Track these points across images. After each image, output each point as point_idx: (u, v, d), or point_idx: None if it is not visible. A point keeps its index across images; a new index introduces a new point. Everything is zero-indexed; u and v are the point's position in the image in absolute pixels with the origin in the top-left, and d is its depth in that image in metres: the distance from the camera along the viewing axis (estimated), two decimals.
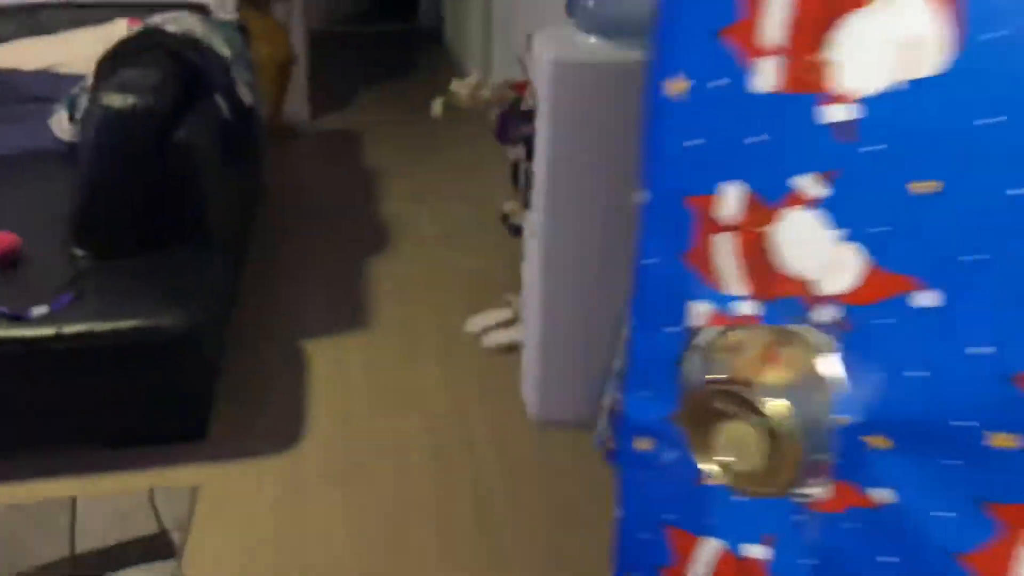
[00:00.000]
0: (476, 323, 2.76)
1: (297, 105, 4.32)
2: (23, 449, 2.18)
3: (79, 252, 2.24)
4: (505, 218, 2.96)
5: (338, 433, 2.32)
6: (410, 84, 5.11)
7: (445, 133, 4.27)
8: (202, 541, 1.96)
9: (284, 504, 2.08)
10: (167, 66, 2.34)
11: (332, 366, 2.59)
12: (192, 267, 2.25)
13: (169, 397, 2.19)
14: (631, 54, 1.91)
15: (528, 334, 2.34)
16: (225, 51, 2.67)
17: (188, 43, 2.56)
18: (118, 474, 2.13)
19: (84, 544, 1.91)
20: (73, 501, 2.02)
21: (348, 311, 2.87)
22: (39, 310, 2.00)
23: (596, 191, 2.03)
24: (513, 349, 2.62)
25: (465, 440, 2.31)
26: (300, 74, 4.27)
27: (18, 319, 1.98)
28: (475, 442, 2.30)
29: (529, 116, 2.79)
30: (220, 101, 2.58)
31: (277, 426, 2.33)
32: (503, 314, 2.77)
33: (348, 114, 4.62)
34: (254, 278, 2.97)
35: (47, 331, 1.98)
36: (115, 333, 2.01)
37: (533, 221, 2.20)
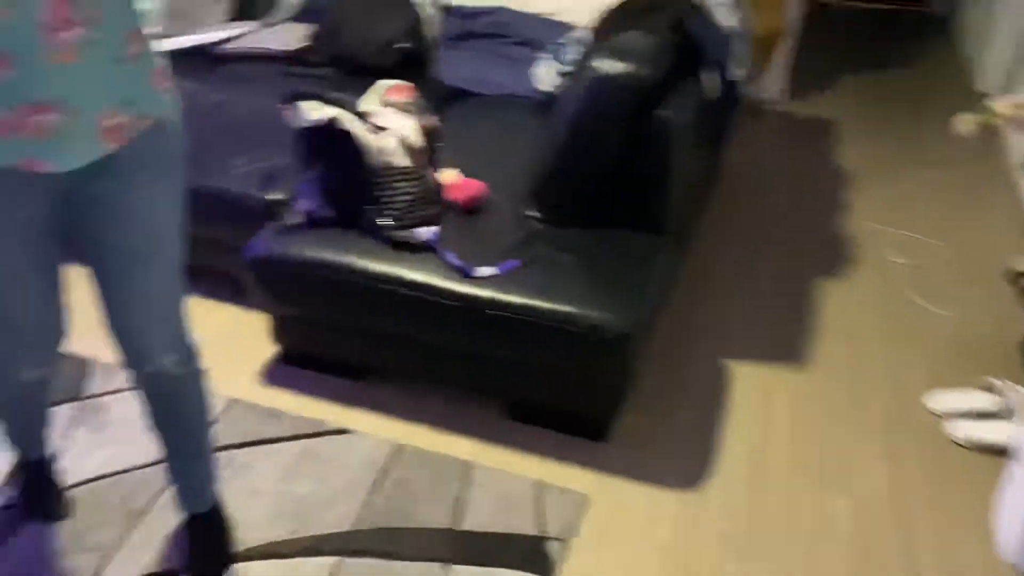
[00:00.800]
0: (943, 401, 2.22)
1: (772, 83, 3.92)
2: (435, 393, 2.19)
3: (532, 212, 2.14)
4: (1017, 278, 2.33)
5: (749, 485, 1.99)
6: (901, 77, 4.41)
7: (937, 144, 3.59)
8: (579, 563, 1.78)
9: (674, 553, 1.81)
10: (667, 35, 2.11)
11: (755, 398, 2.25)
12: (641, 258, 2.04)
13: (580, 388, 2.03)
14: None
15: None
16: (730, 21, 2.37)
17: (692, 10, 2.31)
18: (512, 451, 2.03)
19: (467, 521, 1.84)
20: (468, 468, 1.96)
21: (783, 337, 2.49)
22: (486, 271, 1.93)
23: None
24: (990, 452, 2.05)
25: (903, 550, 1.84)
26: (786, 50, 3.85)
27: (466, 275, 1.92)
28: (916, 558, 1.83)
29: None
30: (710, 77, 2.31)
31: (683, 453, 2.06)
32: (982, 400, 2.19)
33: (823, 99, 4.10)
34: (688, 274, 2.71)
35: (487, 293, 1.91)
36: (550, 314, 1.87)
37: None
